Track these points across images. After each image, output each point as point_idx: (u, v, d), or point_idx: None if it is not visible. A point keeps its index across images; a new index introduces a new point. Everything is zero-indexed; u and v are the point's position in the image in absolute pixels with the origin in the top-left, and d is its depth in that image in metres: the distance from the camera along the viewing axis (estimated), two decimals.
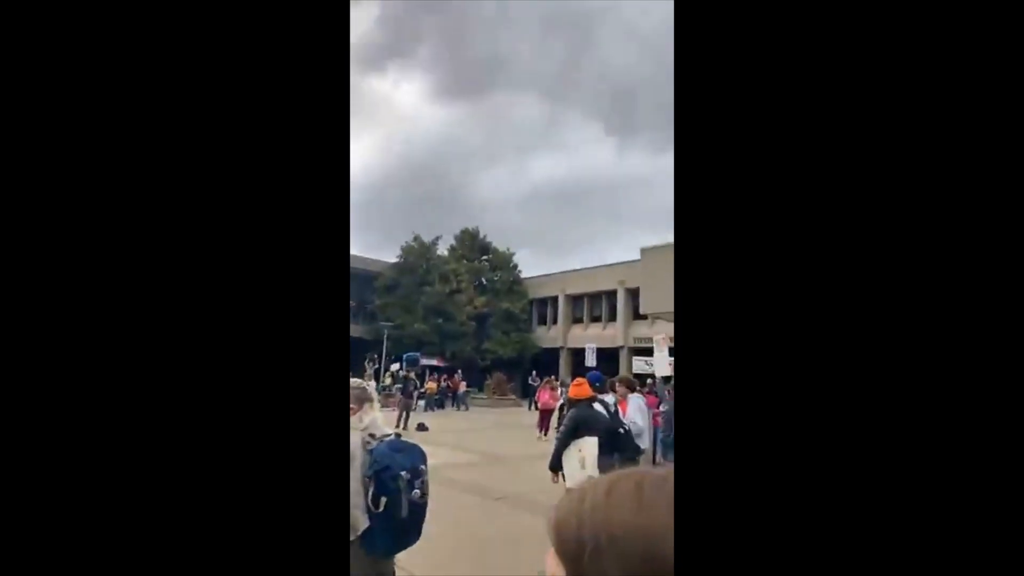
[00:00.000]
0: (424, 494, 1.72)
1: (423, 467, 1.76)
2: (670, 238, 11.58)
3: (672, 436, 5.05)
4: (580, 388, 3.62)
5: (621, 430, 3.45)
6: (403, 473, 1.67)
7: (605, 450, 3.20)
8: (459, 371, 19.13)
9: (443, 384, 17.71)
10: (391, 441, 1.79)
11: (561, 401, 10.95)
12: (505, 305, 23.86)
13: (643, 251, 11.81)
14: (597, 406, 3.80)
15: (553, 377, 15.99)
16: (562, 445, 3.38)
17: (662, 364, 10.05)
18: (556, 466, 3.35)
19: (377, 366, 16.37)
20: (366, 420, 1.83)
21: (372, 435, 1.79)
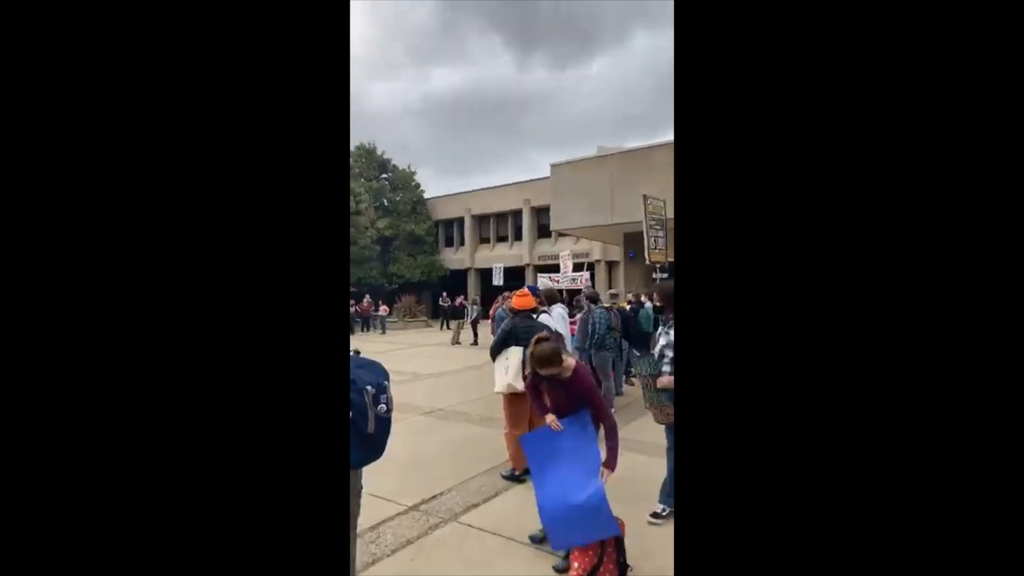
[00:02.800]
0: (389, 409, 1.74)
1: (386, 383, 1.76)
2: (577, 155, 11.80)
3: (582, 344, 5.53)
4: (523, 299, 3.61)
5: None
6: (368, 388, 1.67)
7: None
8: (367, 295, 18.68)
9: (352, 309, 17.27)
10: (353, 357, 1.76)
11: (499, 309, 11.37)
12: (410, 227, 23.18)
13: (553, 167, 11.97)
14: (544, 317, 3.95)
15: (463, 298, 16.19)
16: (493, 353, 3.54)
17: (568, 278, 10.69)
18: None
19: None
20: None
21: None
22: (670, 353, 2.65)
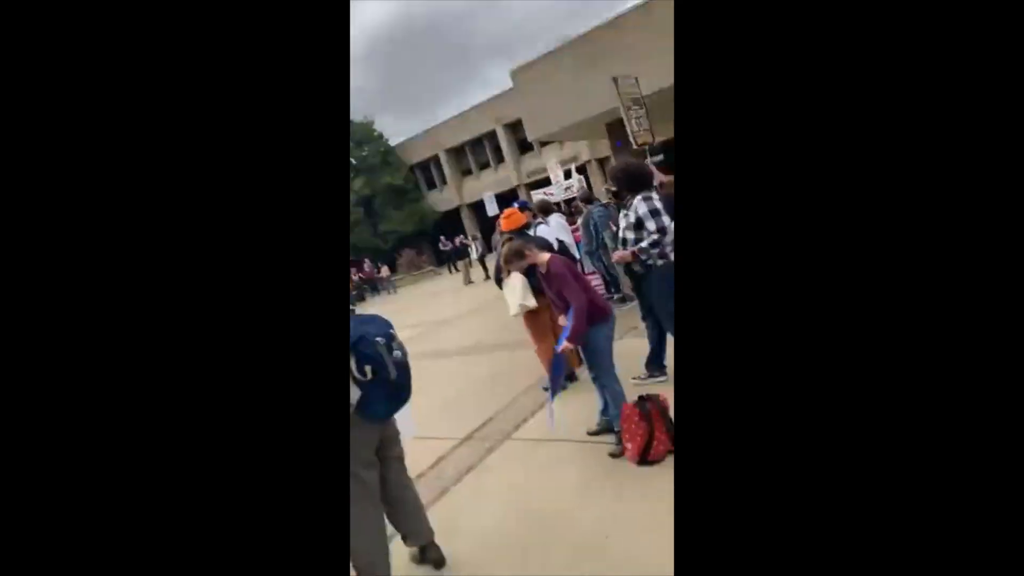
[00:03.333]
0: (404, 353, 1.80)
1: (392, 331, 1.81)
2: (532, 55, 11.03)
3: (589, 247, 5.48)
4: (510, 219, 3.47)
5: (554, 244, 3.49)
6: (379, 339, 1.71)
7: None
8: (366, 260, 18.62)
9: (356, 278, 17.31)
10: (352, 317, 1.80)
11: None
12: (386, 179, 22.48)
13: (513, 74, 11.21)
14: (543, 229, 3.85)
15: (463, 237, 16.07)
16: (497, 280, 3.48)
17: (560, 188, 10.41)
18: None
19: None
20: None
21: None
22: (630, 235, 2.84)
